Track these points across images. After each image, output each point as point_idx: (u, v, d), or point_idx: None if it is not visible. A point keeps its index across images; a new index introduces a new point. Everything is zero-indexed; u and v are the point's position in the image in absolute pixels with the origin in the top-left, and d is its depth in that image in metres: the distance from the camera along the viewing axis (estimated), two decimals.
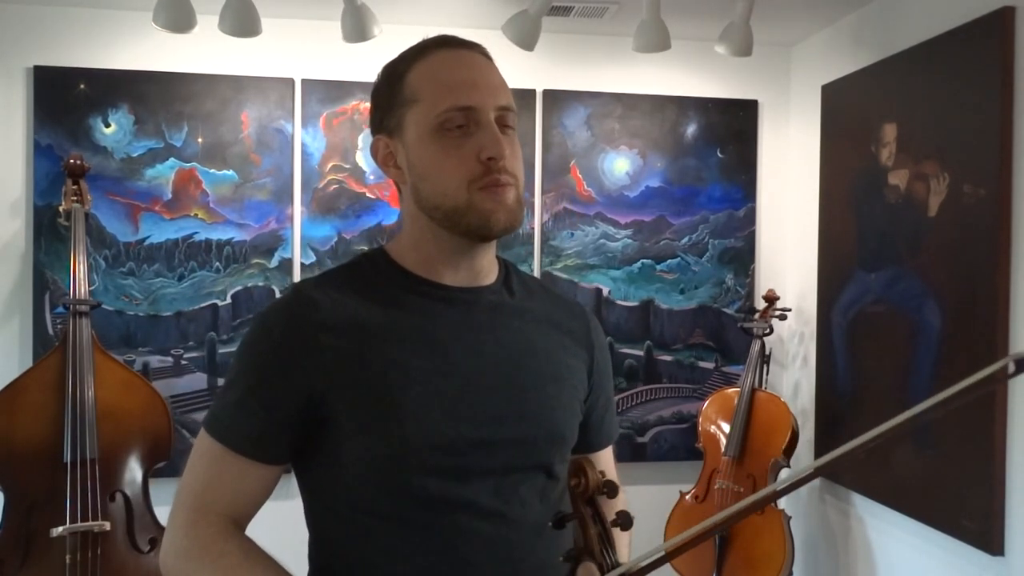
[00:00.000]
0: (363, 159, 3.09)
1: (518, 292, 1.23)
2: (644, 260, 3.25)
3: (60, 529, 2.36)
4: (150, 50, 2.95)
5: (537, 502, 1.15)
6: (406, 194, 1.17)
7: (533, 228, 3.18)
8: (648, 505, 3.03)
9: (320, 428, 1.10)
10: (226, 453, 1.11)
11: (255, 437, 1.10)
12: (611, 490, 0.97)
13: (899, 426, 0.86)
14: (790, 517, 2.94)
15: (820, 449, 3.08)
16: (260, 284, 3.02)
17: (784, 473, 3.10)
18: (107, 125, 2.93)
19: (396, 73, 1.15)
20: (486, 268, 1.20)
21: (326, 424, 1.09)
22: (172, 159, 2.97)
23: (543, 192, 3.19)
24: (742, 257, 3.32)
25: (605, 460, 1.36)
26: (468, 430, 1.10)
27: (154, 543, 2.50)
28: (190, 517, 1.11)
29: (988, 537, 2.24)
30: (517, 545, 1.11)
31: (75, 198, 2.66)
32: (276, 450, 1.12)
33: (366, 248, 3.04)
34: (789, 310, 3.20)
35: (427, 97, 1.11)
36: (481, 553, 1.10)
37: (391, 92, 1.15)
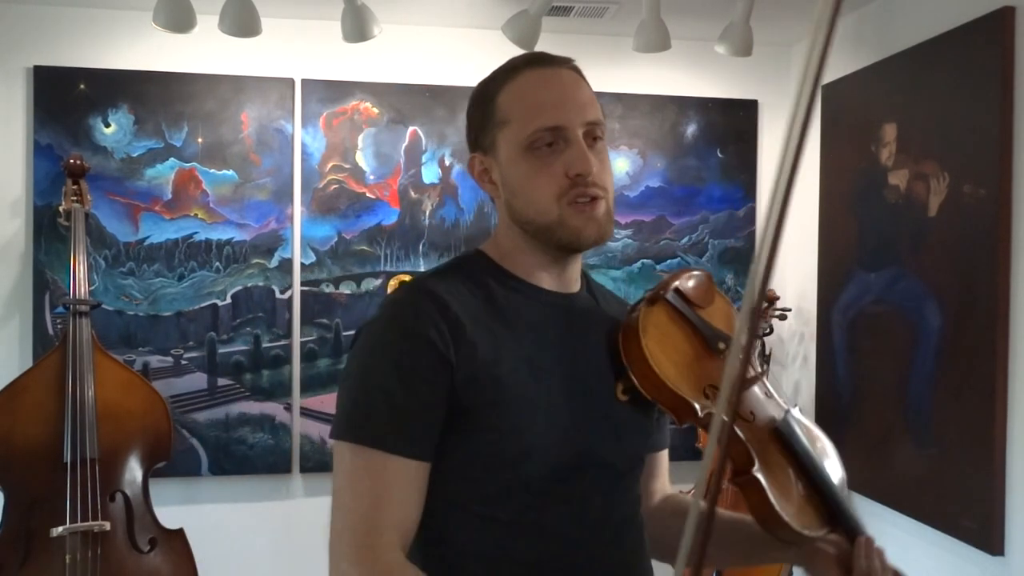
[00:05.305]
0: (363, 159, 3.09)
1: (599, 299, 1.29)
2: (644, 260, 3.25)
3: (60, 529, 2.36)
4: (150, 50, 2.95)
5: (619, 499, 1.19)
6: (500, 207, 1.22)
7: None
8: None
9: (449, 421, 1.10)
10: (390, 460, 1.06)
11: (418, 437, 1.08)
12: None
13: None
14: None
15: None
16: (260, 284, 3.02)
17: None
18: (107, 125, 2.93)
19: (488, 94, 1.19)
20: (575, 276, 1.25)
21: (456, 417, 1.09)
22: (172, 159, 2.97)
23: None
24: (742, 257, 3.32)
25: (664, 460, 1.42)
26: (583, 430, 1.14)
27: (154, 543, 2.50)
28: (363, 552, 1.03)
29: (988, 537, 2.24)
30: (602, 542, 1.16)
31: (75, 198, 2.66)
32: (432, 447, 1.09)
33: (366, 248, 3.07)
34: (789, 310, 3.20)
35: (517, 118, 1.15)
36: (583, 549, 1.13)
37: (483, 113, 1.19)
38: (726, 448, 1.14)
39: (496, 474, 1.10)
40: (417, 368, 1.08)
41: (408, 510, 1.07)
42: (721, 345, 1.22)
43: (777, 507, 1.12)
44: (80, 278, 2.58)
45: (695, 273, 1.28)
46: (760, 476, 1.13)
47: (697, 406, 1.14)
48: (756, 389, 1.23)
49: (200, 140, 2.98)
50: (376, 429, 1.07)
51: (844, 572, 1.19)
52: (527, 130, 1.14)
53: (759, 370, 1.19)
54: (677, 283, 1.24)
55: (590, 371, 1.18)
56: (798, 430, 1.22)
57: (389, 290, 3.05)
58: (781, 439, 1.21)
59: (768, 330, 3.11)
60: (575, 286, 1.24)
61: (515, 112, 1.16)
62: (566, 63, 1.21)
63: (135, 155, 2.95)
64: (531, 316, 1.17)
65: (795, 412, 1.25)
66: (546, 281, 1.20)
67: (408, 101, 3.10)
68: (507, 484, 1.10)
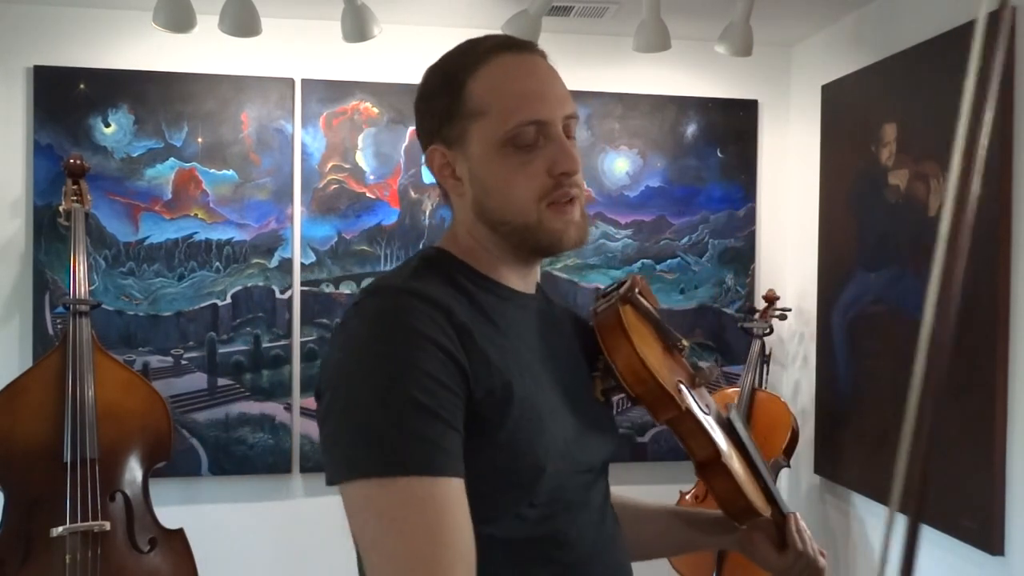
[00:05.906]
0: (363, 159, 3.09)
1: (550, 297, 1.26)
2: (644, 260, 3.26)
3: (60, 529, 2.36)
4: (150, 50, 2.95)
5: (606, 500, 1.17)
6: (462, 204, 1.12)
7: None
8: None
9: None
10: (435, 484, 0.90)
11: (455, 451, 0.93)
12: None
13: None
14: None
15: (820, 448, 3.08)
16: (260, 284, 3.02)
17: (785, 472, 3.11)
18: (107, 125, 2.93)
19: (456, 81, 1.07)
20: (536, 277, 1.19)
21: (470, 429, 0.98)
22: (172, 159, 2.97)
23: None
24: (742, 257, 3.32)
25: None
26: (582, 435, 1.09)
27: (154, 543, 2.50)
28: None
29: (988, 537, 2.24)
30: (604, 545, 1.12)
31: (75, 198, 2.66)
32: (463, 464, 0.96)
33: (366, 248, 3.07)
34: (789, 310, 3.20)
35: (495, 110, 1.04)
36: (592, 562, 1.09)
37: (450, 101, 1.07)
38: (693, 442, 1.21)
39: (506, 490, 1.00)
40: (434, 374, 0.93)
41: (467, 536, 0.91)
42: (681, 344, 1.25)
43: (745, 490, 1.20)
44: (80, 278, 2.58)
45: (640, 278, 1.31)
46: (728, 463, 1.19)
47: (677, 400, 1.16)
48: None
49: (200, 140, 2.98)
50: (409, 451, 0.90)
51: (778, 548, 1.27)
52: (508, 124, 1.03)
53: (703, 367, 1.28)
54: (638, 287, 1.26)
55: (571, 373, 1.13)
56: (739, 420, 1.33)
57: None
58: (730, 428, 1.29)
59: (768, 330, 3.11)
60: (534, 287, 1.18)
61: (493, 103, 1.04)
62: (536, 49, 1.10)
63: (135, 155, 2.95)
64: (513, 319, 1.08)
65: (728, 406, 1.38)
66: (514, 282, 1.12)
67: (408, 101, 3.05)
68: (516, 500, 1.01)
